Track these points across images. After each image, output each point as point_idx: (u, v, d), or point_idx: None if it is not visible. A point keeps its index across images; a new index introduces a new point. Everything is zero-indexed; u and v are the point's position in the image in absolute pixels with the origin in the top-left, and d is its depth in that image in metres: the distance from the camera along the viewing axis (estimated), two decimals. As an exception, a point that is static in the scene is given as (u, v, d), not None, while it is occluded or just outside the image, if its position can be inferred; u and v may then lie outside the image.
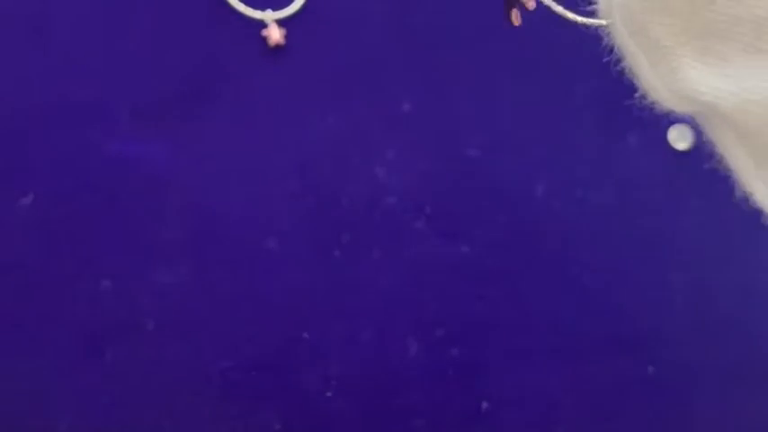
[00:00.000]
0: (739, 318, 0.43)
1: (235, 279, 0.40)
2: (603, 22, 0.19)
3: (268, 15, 0.42)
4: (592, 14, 0.21)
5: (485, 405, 0.41)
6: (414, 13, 0.43)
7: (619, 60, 0.19)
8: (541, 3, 0.28)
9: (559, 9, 0.28)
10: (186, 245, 0.40)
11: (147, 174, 0.40)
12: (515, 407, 0.41)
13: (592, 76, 0.42)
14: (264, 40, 0.42)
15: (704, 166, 0.27)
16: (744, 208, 0.41)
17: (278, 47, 0.42)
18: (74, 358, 0.39)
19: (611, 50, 0.19)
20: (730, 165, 0.19)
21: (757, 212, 0.41)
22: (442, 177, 0.41)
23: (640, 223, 0.43)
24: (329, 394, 0.40)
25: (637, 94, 0.19)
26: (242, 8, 0.42)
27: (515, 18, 0.29)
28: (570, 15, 0.27)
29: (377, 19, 0.43)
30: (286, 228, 0.41)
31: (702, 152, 0.24)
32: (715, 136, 0.19)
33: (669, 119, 0.41)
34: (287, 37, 0.42)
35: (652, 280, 0.43)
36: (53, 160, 0.40)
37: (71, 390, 0.39)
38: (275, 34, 0.42)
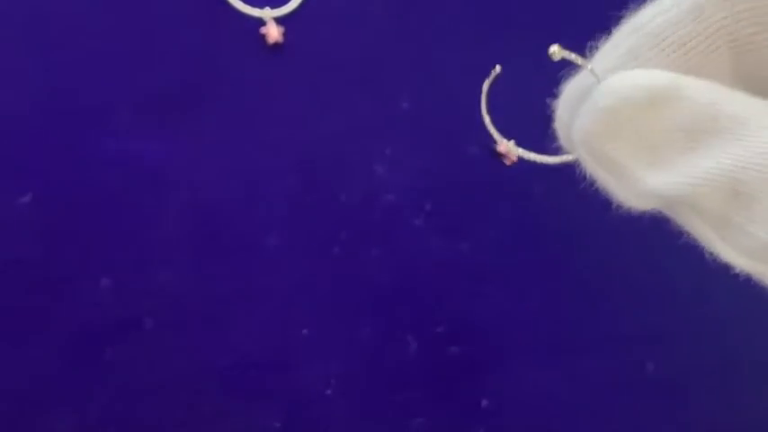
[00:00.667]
0: (739, 317, 0.43)
1: (234, 276, 0.40)
2: (573, 156, 0.24)
3: (266, 13, 0.42)
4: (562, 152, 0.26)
5: (484, 402, 0.41)
6: (412, 10, 0.43)
7: (593, 183, 0.24)
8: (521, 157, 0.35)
9: (533, 156, 0.33)
10: (186, 242, 0.40)
11: (147, 172, 0.40)
12: (515, 404, 0.41)
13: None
14: (263, 37, 0.42)
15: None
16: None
17: (276, 44, 0.42)
18: (73, 356, 0.39)
19: (585, 177, 0.24)
20: (700, 240, 0.23)
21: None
22: (441, 175, 0.41)
23: (640, 221, 0.43)
24: (329, 392, 0.40)
25: (613, 206, 0.24)
26: (241, 6, 0.42)
27: (508, 160, 0.34)
28: (546, 159, 0.32)
29: (375, 16, 0.43)
30: (285, 225, 0.41)
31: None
32: (682, 220, 0.23)
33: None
34: (285, 35, 0.42)
35: (652, 277, 0.43)
36: (52, 158, 0.40)
37: (70, 387, 0.39)
38: (274, 32, 0.42)
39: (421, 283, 0.41)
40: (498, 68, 0.34)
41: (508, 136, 0.36)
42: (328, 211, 0.41)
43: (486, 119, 0.35)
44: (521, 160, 0.38)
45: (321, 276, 0.41)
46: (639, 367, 0.43)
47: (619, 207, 0.24)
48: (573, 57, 0.23)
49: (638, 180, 0.22)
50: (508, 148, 0.34)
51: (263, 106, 0.41)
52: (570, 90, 0.24)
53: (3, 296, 0.39)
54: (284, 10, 0.42)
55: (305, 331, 0.40)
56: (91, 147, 0.40)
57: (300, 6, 0.42)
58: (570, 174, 0.41)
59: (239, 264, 0.40)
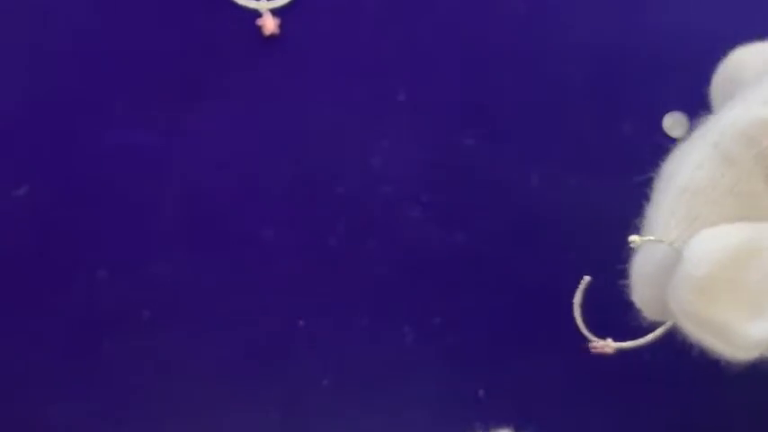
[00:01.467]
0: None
1: (231, 268, 0.40)
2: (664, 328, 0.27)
3: (262, 5, 0.42)
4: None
5: (481, 392, 0.41)
6: (409, 1, 0.43)
7: (698, 347, 0.26)
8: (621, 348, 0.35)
9: (629, 344, 0.34)
10: (182, 234, 0.40)
11: (142, 164, 0.40)
12: (512, 394, 0.41)
13: (587, 63, 0.42)
14: (259, 29, 0.42)
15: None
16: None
17: (272, 36, 0.42)
18: (71, 348, 0.39)
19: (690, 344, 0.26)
20: None
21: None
22: (438, 166, 0.42)
23: (636, 211, 0.43)
24: (326, 382, 0.41)
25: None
26: (236, -2, 0.42)
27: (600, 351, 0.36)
28: (643, 341, 0.34)
29: (371, 8, 0.43)
30: (282, 217, 0.41)
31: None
32: None
33: (664, 106, 0.41)
34: (281, 26, 0.42)
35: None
36: (48, 151, 0.40)
37: (67, 379, 0.39)
38: (270, 24, 0.42)
39: (417, 275, 0.41)
40: (587, 279, 0.34)
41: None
42: (325, 202, 0.41)
43: (582, 326, 0.36)
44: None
45: (318, 268, 0.41)
46: (637, 357, 0.43)
47: (728, 362, 0.26)
48: (651, 238, 0.26)
49: (743, 335, 0.24)
50: (604, 345, 0.36)
51: (259, 98, 0.41)
52: (642, 266, 0.27)
53: (-1, 288, 0.39)
54: (280, 2, 0.42)
55: (302, 322, 0.41)
56: (87, 139, 0.40)
57: (297, -2, 0.42)
58: (565, 164, 0.41)
59: (236, 255, 0.40)
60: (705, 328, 0.25)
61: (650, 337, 0.33)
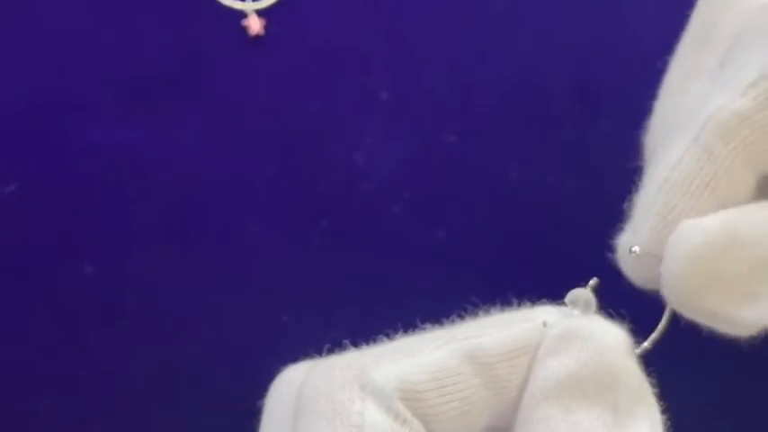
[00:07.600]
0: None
1: (216, 264, 0.41)
2: None
3: (248, 6, 0.43)
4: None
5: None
6: (392, 2, 0.43)
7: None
8: None
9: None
10: (168, 230, 0.41)
11: (129, 161, 0.41)
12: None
13: (565, 60, 0.42)
14: (244, 29, 0.42)
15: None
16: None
17: (258, 37, 0.42)
18: (57, 342, 0.39)
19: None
20: None
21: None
22: (420, 163, 0.42)
23: (615, 208, 0.43)
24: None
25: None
26: (222, -1, 0.42)
27: None
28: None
29: (355, 8, 0.43)
30: (267, 213, 0.41)
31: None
32: None
33: (641, 102, 0.42)
34: (266, 27, 0.43)
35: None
36: (36, 148, 0.40)
37: (54, 373, 0.39)
38: (255, 24, 0.42)
39: (400, 270, 0.41)
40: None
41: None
42: (309, 199, 0.42)
43: None
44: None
45: (301, 263, 0.41)
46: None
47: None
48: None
49: (737, 319, 0.25)
50: None
51: (244, 97, 0.42)
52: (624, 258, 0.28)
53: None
54: (265, 2, 0.43)
55: (285, 318, 0.41)
56: (74, 136, 0.41)
57: (281, -1, 0.43)
58: (544, 162, 0.41)
59: (221, 251, 0.41)
60: (701, 316, 0.26)
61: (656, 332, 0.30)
